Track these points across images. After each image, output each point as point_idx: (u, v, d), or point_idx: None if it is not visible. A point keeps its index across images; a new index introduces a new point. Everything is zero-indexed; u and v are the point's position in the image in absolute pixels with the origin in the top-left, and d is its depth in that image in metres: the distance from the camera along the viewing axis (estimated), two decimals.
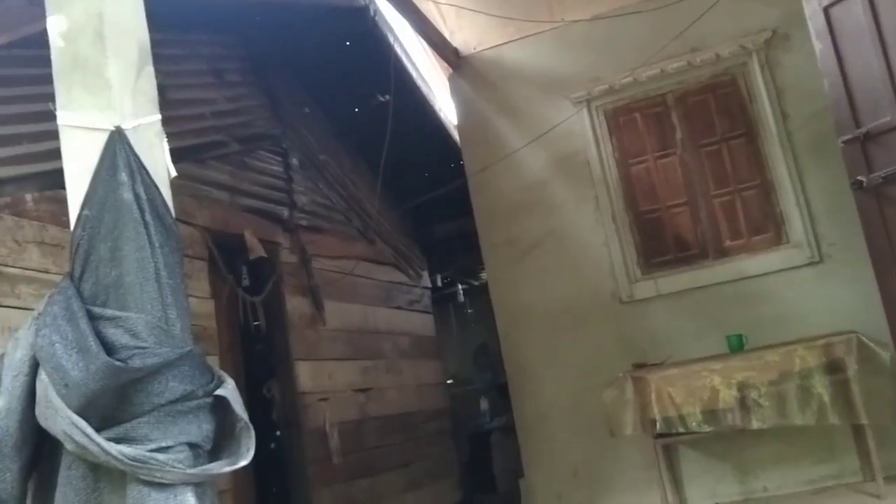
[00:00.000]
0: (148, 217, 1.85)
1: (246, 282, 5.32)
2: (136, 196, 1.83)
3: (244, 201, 5.37)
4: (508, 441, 7.07)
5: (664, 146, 5.77)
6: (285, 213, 5.83)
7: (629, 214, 5.78)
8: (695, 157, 5.68)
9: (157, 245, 1.86)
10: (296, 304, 5.68)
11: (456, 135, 6.82)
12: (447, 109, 7.15)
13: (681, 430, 4.64)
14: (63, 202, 3.66)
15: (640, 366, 5.09)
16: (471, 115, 6.35)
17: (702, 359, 4.88)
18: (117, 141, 1.86)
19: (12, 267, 3.47)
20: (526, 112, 6.06)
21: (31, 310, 3.38)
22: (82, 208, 1.84)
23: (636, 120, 5.87)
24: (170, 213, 1.96)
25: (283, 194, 5.86)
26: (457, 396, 9.57)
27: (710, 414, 4.56)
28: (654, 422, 4.69)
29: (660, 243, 5.73)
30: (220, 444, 1.87)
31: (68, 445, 1.71)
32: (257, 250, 5.24)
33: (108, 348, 1.73)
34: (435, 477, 7.32)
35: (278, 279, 5.54)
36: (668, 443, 4.99)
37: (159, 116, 2.01)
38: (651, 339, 5.48)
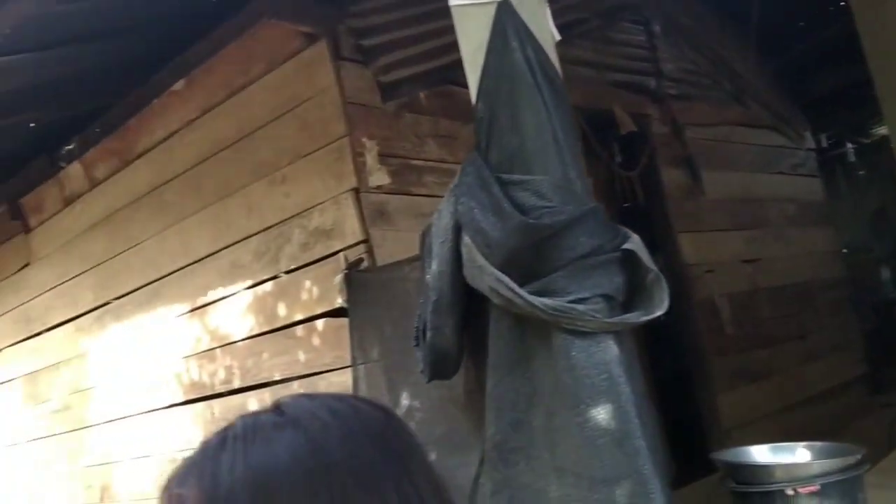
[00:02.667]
0: (540, 80, 1.89)
1: (619, 158, 5.30)
2: (528, 60, 1.88)
3: (610, 76, 5.30)
4: None
5: None
6: (652, 83, 5.64)
7: None
8: None
9: (551, 108, 1.90)
10: (672, 176, 5.54)
11: None
12: None
13: None
14: (451, 97, 3.95)
15: None
16: None
17: None
18: (504, 11, 1.92)
19: (416, 159, 3.86)
20: None
21: (437, 196, 3.75)
22: (481, 81, 1.94)
23: None
24: (558, 76, 1.99)
25: (648, 65, 5.67)
26: (854, 265, 8.71)
27: None
28: None
29: None
30: (632, 298, 1.90)
31: (495, 300, 1.86)
32: (628, 125, 5.16)
33: (520, 210, 1.84)
34: (835, 349, 6.81)
35: (652, 152, 5.43)
36: None
37: None
38: None
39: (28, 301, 5.85)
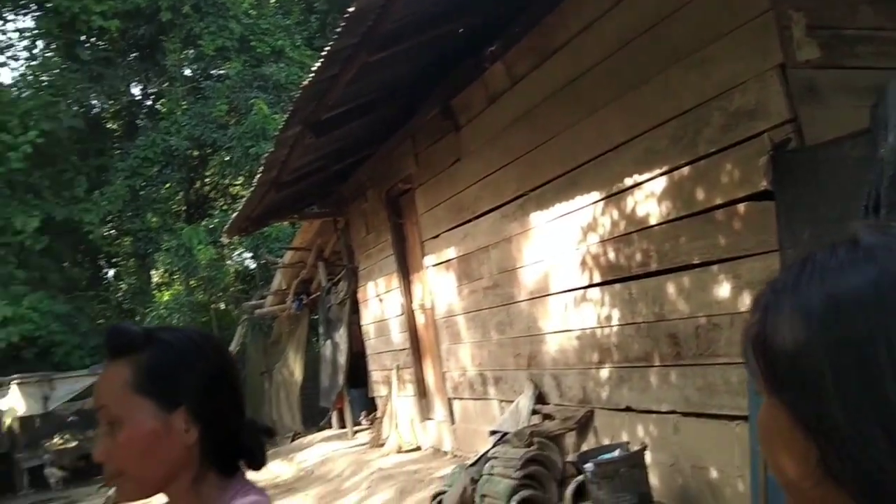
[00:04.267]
0: None
1: None
2: None
3: None
4: None
5: None
6: None
7: None
8: None
9: None
10: None
11: None
12: None
13: None
14: None
15: None
16: None
17: None
18: None
19: (848, 29, 3.51)
20: None
21: (875, 69, 3.40)
22: None
23: None
24: None
25: None
26: None
27: None
28: None
29: None
30: None
31: None
32: None
33: None
34: None
35: None
36: None
37: None
38: None
39: (459, 192, 6.61)
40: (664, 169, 4.13)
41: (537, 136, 5.31)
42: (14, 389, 13.47)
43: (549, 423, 5.36)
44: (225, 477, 1.17)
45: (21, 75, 18.77)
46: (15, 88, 17.99)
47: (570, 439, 5.23)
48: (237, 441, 1.18)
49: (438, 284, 7.37)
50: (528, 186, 5.51)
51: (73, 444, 13.66)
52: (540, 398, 5.64)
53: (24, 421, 13.56)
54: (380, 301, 9.25)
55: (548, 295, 5.45)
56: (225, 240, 15.65)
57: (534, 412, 5.58)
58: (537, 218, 5.46)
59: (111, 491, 10.37)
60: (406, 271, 8.41)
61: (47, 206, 15.85)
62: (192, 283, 17.96)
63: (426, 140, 7.17)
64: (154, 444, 1.10)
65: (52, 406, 13.76)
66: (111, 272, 21.27)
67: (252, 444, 1.19)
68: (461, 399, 7.21)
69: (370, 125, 7.34)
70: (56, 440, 13.50)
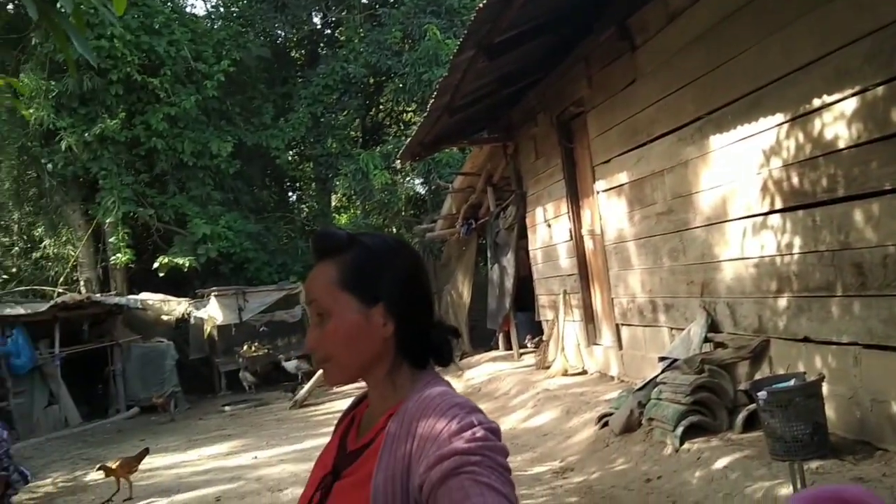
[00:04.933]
0: None
1: None
2: None
3: None
4: None
5: None
6: None
7: None
8: None
9: None
10: None
11: None
12: None
13: None
14: None
15: None
16: None
17: None
18: None
19: None
20: None
21: None
22: None
23: None
24: None
25: None
26: None
27: None
28: None
29: None
30: None
31: None
32: None
33: None
34: None
35: None
36: None
37: None
38: None
39: (634, 115, 6.47)
40: (856, 89, 3.87)
41: (718, 55, 5.08)
42: (213, 301, 14.84)
43: (722, 351, 5.27)
44: (417, 370, 1.29)
45: (213, 7, 19.97)
46: (208, 20, 19.21)
47: (742, 369, 5.14)
48: (427, 338, 1.30)
49: (609, 210, 7.31)
50: (708, 108, 5.31)
51: (263, 352, 14.92)
52: (713, 326, 5.55)
53: (222, 329, 14.95)
54: (548, 226, 9.30)
55: (725, 221, 5.29)
56: (398, 165, 16.16)
57: (706, 340, 5.51)
58: (716, 141, 5.27)
59: (299, 394, 11.22)
60: (576, 196, 8.39)
61: (239, 132, 16.98)
62: (367, 206, 18.76)
63: (600, 61, 7.02)
64: (355, 335, 1.25)
65: (246, 317, 15.04)
66: (294, 195, 22.60)
67: (440, 342, 1.31)
68: (629, 325, 7.20)
69: (542, 48, 7.28)
70: (248, 348, 14.79)
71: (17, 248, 17.87)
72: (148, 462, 8.01)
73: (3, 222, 17.48)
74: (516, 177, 10.42)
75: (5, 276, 17.27)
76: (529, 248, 10.27)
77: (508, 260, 10.71)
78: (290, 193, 22.37)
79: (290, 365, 14.35)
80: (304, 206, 22.03)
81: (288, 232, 19.60)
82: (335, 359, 1.27)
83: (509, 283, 10.67)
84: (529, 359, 10.24)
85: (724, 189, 5.24)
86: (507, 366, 10.34)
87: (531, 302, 10.46)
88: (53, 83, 14.62)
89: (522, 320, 11.16)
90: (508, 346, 11.42)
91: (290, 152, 19.50)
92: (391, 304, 1.26)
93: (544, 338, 9.65)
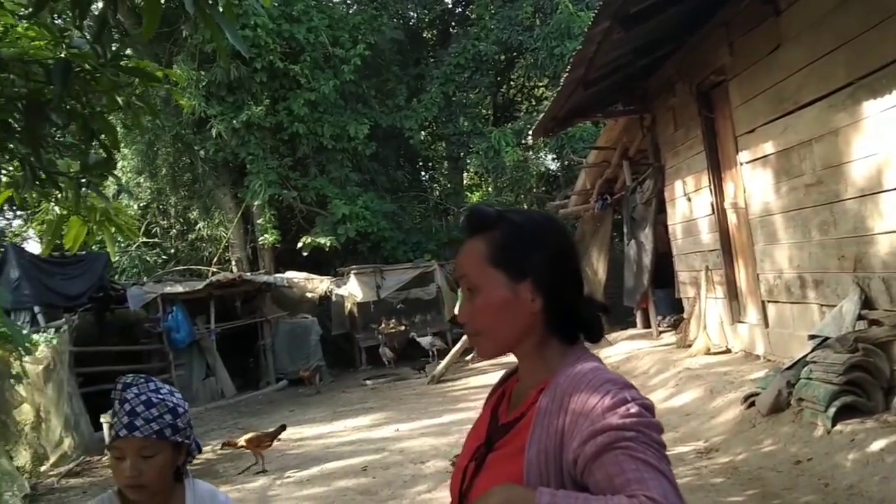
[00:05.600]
0: None
1: None
2: None
3: None
4: None
5: None
6: None
7: None
8: None
9: None
10: None
11: None
12: None
13: None
14: None
15: None
16: None
17: None
18: None
19: None
20: None
21: None
22: None
23: None
24: None
25: None
26: None
27: None
28: None
29: None
30: None
31: None
32: None
33: None
34: None
35: None
36: None
37: None
38: None
39: (779, 82, 6.17)
40: None
41: (873, 15, 4.76)
42: (352, 279, 15.39)
43: (877, 329, 4.98)
44: (567, 345, 1.32)
45: None
46: (343, 5, 19.74)
47: None
48: (577, 313, 1.32)
49: (753, 182, 7.02)
50: (861, 72, 4.99)
51: (401, 328, 15.34)
52: (866, 303, 5.25)
53: (361, 306, 15.49)
54: (688, 200, 9.02)
55: (880, 192, 4.97)
56: (530, 141, 16.10)
57: (859, 317, 5.22)
58: (871, 107, 4.95)
59: (436, 370, 11.49)
60: (717, 169, 8.10)
61: (374, 114, 17.43)
62: (499, 184, 18.82)
63: (742, 27, 6.72)
64: (504, 309, 1.29)
65: (383, 295, 15.51)
66: (426, 175, 22.96)
67: (590, 318, 1.34)
68: (776, 302, 6.91)
69: (680, 16, 7.05)
70: (386, 324, 15.25)
71: (174, 230, 19.14)
72: (298, 432, 8.46)
73: (161, 206, 18.74)
74: (654, 149, 10.16)
75: (165, 257, 18.54)
76: (668, 222, 10.01)
77: (646, 235, 10.47)
78: (422, 173, 22.75)
79: (425, 341, 14.69)
80: (436, 185, 22.35)
81: (421, 211, 19.97)
82: (485, 332, 1.32)
83: (647, 259, 10.44)
84: (669, 337, 10.01)
85: (879, 158, 4.92)
86: (646, 344, 10.16)
87: (670, 278, 10.21)
88: (203, 73, 15.51)
89: (661, 297, 10.91)
90: (647, 324, 11.20)
91: (423, 132, 19.81)
92: (539, 279, 1.28)
93: (685, 315, 9.41)
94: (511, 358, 1.37)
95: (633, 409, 1.11)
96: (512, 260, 1.29)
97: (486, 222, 1.33)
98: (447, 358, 12.68)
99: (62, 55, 2.45)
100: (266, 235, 16.34)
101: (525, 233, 1.32)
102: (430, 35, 21.86)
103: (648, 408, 1.13)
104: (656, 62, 8.85)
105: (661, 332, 10.47)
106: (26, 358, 7.90)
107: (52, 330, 9.62)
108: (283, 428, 7.71)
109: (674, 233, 9.82)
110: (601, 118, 12.00)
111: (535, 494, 1.07)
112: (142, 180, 17.66)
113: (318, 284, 15.85)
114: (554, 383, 1.23)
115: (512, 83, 22.10)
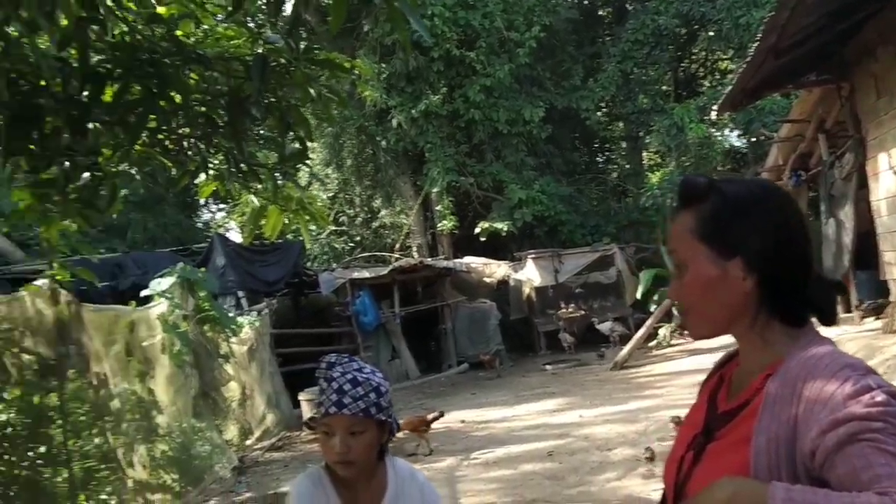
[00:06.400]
0: None
1: None
2: None
3: None
4: None
5: None
6: None
7: None
8: None
9: None
10: None
11: None
12: None
13: None
14: None
15: None
16: None
17: None
18: None
19: None
20: None
21: None
22: None
23: None
24: None
25: None
26: None
27: None
28: None
29: None
30: None
31: None
32: None
33: None
34: None
35: None
36: None
37: None
38: None
39: None
40: None
41: None
42: (529, 263, 15.38)
43: None
44: (793, 327, 1.20)
45: None
46: None
47: None
48: (803, 293, 1.19)
49: None
50: None
51: (580, 313, 15.15)
52: None
53: (539, 291, 15.46)
54: (894, 174, 8.22)
55: None
56: (715, 116, 15.33)
57: None
58: None
59: (619, 355, 11.27)
60: None
61: (549, 96, 17.29)
62: (682, 162, 18.09)
63: None
64: (711, 288, 1.19)
65: (561, 279, 15.38)
66: (603, 156, 22.49)
67: (820, 298, 1.21)
68: None
69: None
70: (565, 309, 15.12)
71: (359, 218, 20.00)
72: (481, 415, 8.56)
73: (347, 196, 19.64)
74: (853, 120, 9.33)
75: (351, 244, 19.44)
76: (871, 199, 9.18)
77: (846, 213, 9.66)
78: (599, 154, 22.31)
79: (605, 327, 14.43)
80: (614, 166, 21.84)
81: (599, 193, 19.60)
82: (694, 311, 1.23)
83: (847, 238, 9.64)
84: (872, 322, 9.20)
85: None
86: (849, 329, 9.39)
87: (873, 259, 9.37)
88: (384, 66, 16.03)
89: (863, 280, 10.04)
90: (847, 309, 10.36)
91: (600, 112, 19.41)
92: (752, 256, 1.17)
93: (891, 298, 8.61)
94: (718, 342, 1.28)
95: (879, 397, 0.99)
96: (720, 234, 1.19)
97: (697, 193, 1.23)
98: (630, 343, 12.38)
99: (259, 52, 2.59)
100: (444, 222, 16.69)
101: (736, 205, 1.20)
102: (605, 13, 21.33)
103: (895, 395, 1.00)
104: (855, 26, 8.11)
105: (863, 317, 9.64)
106: (233, 339, 8.54)
107: (255, 313, 10.33)
108: (441, 414, 7.85)
109: (878, 209, 8.99)
110: (793, 89, 11.18)
111: (768, 488, 0.98)
112: (329, 171, 18.59)
113: (495, 269, 15.99)
114: (783, 368, 1.12)
115: (693, 57, 21.15)
